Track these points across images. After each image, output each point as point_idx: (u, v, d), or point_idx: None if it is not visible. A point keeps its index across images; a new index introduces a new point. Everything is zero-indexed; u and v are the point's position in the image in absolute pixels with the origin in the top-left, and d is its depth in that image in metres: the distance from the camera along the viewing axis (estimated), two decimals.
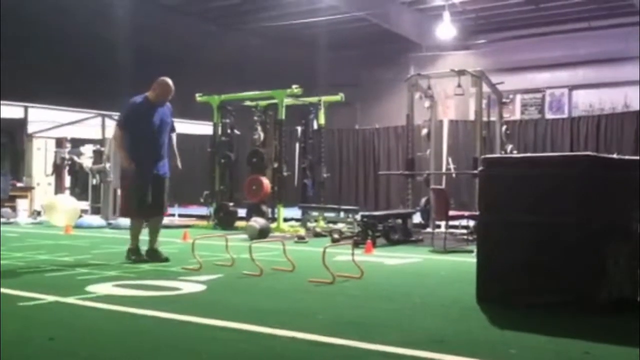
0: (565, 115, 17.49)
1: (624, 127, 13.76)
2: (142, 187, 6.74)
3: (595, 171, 4.39)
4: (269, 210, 11.27)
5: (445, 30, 17.27)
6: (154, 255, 6.80)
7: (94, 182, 13.23)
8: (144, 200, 6.75)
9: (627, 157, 5.49)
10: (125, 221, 11.64)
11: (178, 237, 9.17)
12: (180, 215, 13.48)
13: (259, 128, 11.58)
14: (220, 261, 6.56)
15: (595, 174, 4.36)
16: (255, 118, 11.66)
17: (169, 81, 6.87)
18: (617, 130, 13.81)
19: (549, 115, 18.05)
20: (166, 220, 12.42)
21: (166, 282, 5.47)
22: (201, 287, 5.21)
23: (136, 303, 4.50)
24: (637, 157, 5.56)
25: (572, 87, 18.40)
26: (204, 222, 11.83)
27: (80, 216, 12.11)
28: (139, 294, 4.91)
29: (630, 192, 4.77)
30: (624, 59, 16.92)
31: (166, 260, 6.69)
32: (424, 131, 10.96)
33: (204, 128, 16.67)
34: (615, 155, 5.44)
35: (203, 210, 12.61)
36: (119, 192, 12.74)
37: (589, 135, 14.13)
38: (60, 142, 14.71)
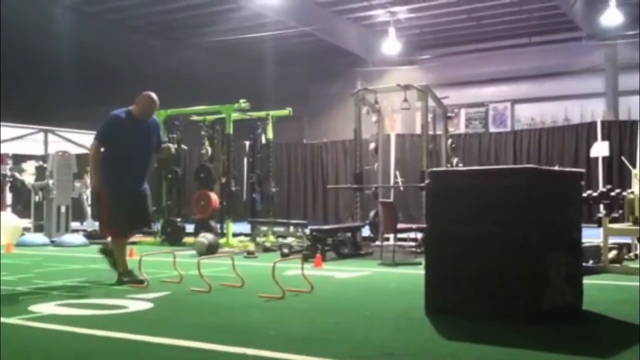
0: (508, 129, 17.91)
1: (565, 140, 14.16)
2: (122, 203, 6.34)
3: (538, 183, 4.50)
4: (218, 225, 11.18)
5: (391, 45, 17.53)
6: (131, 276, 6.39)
7: (37, 199, 12.89)
8: (126, 216, 6.37)
9: (567, 169, 5.65)
10: (70, 238, 11.50)
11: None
12: None
13: (207, 143, 11.50)
14: (168, 278, 6.47)
15: (537, 186, 4.47)
16: (203, 133, 11.58)
17: (154, 96, 6.56)
18: (558, 143, 14.20)
19: (492, 129, 18.44)
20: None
21: (112, 300, 5.36)
22: (148, 305, 5.11)
23: (81, 322, 4.40)
24: (577, 169, 5.73)
25: (515, 101, 18.85)
26: (151, 239, 11.64)
27: (23, 234, 11.78)
28: (84, 313, 4.80)
29: (570, 202, 4.91)
30: (564, 73, 17.45)
31: (142, 282, 6.18)
32: (372, 145, 11.06)
33: None
34: (556, 168, 5.58)
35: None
36: (62, 208, 12.48)
37: (531, 148, 14.49)
38: (1, 159, 14.31)
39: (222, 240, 10.39)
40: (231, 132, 11.13)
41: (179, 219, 11.56)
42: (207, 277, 5.86)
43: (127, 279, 6.25)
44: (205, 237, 9.40)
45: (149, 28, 18.12)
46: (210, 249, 9.07)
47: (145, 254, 6.83)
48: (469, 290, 4.52)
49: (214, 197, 11.04)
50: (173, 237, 11.17)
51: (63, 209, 12.56)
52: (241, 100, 10.82)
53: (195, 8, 16.67)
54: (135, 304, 5.16)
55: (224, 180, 11.10)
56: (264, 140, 11.77)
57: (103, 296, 5.61)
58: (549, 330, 4.08)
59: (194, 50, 18.64)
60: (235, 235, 11.18)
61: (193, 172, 11.57)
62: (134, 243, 10.92)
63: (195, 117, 11.89)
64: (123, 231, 6.58)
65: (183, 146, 11.94)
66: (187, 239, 11.02)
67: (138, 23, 17.85)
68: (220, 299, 5.45)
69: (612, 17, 14.95)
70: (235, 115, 11.28)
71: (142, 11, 17.13)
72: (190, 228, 11.45)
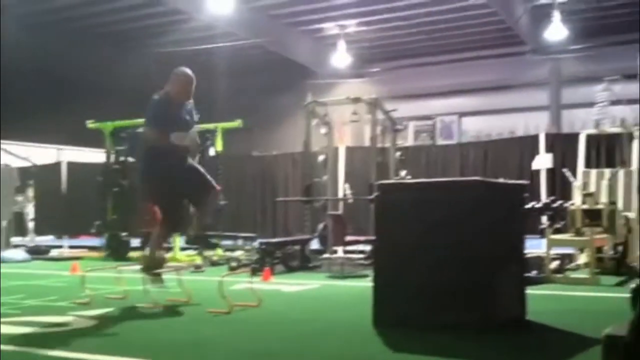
0: (455, 142, 18.18)
1: (510, 152, 14.43)
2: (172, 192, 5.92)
3: (483, 195, 4.57)
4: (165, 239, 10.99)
5: (341, 58, 17.65)
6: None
7: None
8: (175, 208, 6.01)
9: (512, 181, 5.74)
10: (11, 254, 11.15)
11: (67, 270, 8.78)
12: (70, 247, 12.93)
13: None
14: (113, 294, 6.33)
15: (482, 198, 4.53)
16: None
17: (189, 72, 6.01)
18: (503, 155, 14.46)
19: (440, 142, 18.70)
20: (54, 252, 12.00)
21: (54, 317, 5.20)
22: (92, 322, 4.99)
23: (23, 341, 4.26)
24: (521, 181, 5.84)
25: (462, 114, 19.17)
26: (95, 254, 11.40)
27: None
28: (25, 331, 4.65)
29: (514, 214, 5.00)
30: (510, 87, 17.83)
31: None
32: (321, 157, 11.07)
33: (96, 156, 16.17)
34: (501, 180, 5.67)
35: (95, 241, 12.17)
36: (3, 223, 12.09)
37: (477, 160, 14.71)
38: None
39: (169, 255, 10.23)
40: None
41: (124, 233, 11.35)
42: (153, 293, 5.75)
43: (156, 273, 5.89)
44: None
45: (98, 39, 17.84)
46: (157, 264, 8.90)
47: (89, 269, 6.68)
48: (416, 303, 4.54)
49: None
50: (118, 252, 10.95)
51: (4, 224, 12.19)
52: None
53: (146, 18, 16.50)
54: (78, 321, 5.03)
55: None
56: (212, 153, 11.67)
57: (44, 313, 5.45)
58: (496, 341, 4.12)
59: (143, 61, 18.42)
60: (182, 249, 11.03)
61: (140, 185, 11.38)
62: (78, 258, 10.71)
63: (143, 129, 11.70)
64: (174, 220, 6.13)
65: (130, 159, 11.75)
66: (132, 254, 10.83)
67: (90, 32, 17.56)
68: (166, 315, 5.36)
69: (556, 31, 15.34)
70: None
71: (95, 21, 16.88)
72: (136, 242, 11.26)
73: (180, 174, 5.98)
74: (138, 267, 6.28)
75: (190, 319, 5.18)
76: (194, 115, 6.23)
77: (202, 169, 6.29)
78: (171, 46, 17.47)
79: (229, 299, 5.32)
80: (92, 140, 13.95)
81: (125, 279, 6.45)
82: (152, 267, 6.01)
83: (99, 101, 15.57)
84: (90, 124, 11.72)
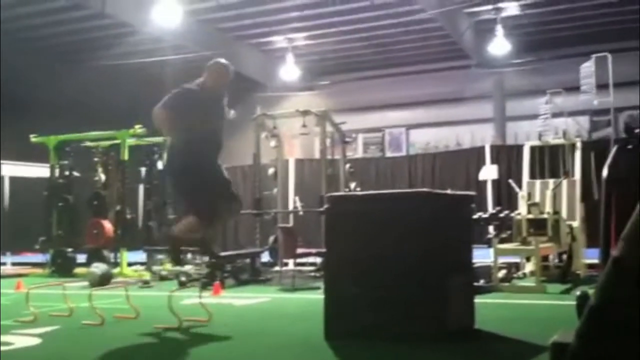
0: (403, 153, 18.38)
1: (457, 163, 14.67)
2: (205, 185, 5.57)
3: (431, 206, 4.62)
4: (112, 254, 10.82)
5: (290, 71, 17.69)
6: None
7: None
8: (212, 198, 5.61)
9: (459, 192, 5.83)
10: None
11: (10, 287, 8.52)
12: (13, 264, 12.58)
13: (100, 169, 11.16)
14: (58, 311, 6.16)
15: (431, 209, 4.58)
16: (96, 159, 11.23)
17: (225, 62, 5.85)
18: (451, 167, 14.69)
19: (388, 154, 18.88)
20: None
21: None
22: (36, 341, 4.84)
23: None
24: (468, 192, 5.93)
25: (410, 127, 19.40)
26: (39, 270, 11.10)
27: None
28: None
29: (463, 224, 5.07)
30: (456, 99, 18.14)
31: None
32: (271, 170, 11.05)
33: (40, 170, 15.80)
34: (448, 191, 5.75)
35: (39, 258, 11.86)
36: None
37: (425, 171, 14.91)
38: None
39: (116, 270, 10.05)
40: (126, 158, 10.84)
41: (70, 249, 11.09)
42: (99, 310, 5.63)
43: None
44: (98, 267, 9.07)
45: (41, 51, 17.46)
46: (103, 280, 8.75)
47: (33, 286, 6.50)
48: (368, 314, 4.55)
49: (107, 225, 10.70)
50: (63, 268, 10.70)
51: None
52: (137, 126, 10.59)
53: (92, 31, 16.24)
54: (22, 339, 4.88)
55: (118, 207, 10.78)
56: (160, 167, 11.54)
57: None
58: (447, 351, 4.16)
59: (89, 74, 18.09)
60: (130, 264, 10.84)
61: (86, 200, 11.17)
62: (22, 275, 10.41)
63: (88, 143, 11.52)
64: (210, 214, 5.68)
65: (75, 173, 11.52)
66: (78, 270, 10.59)
67: (34, 45, 17.17)
68: (114, 332, 5.24)
69: (499, 46, 15.70)
70: (131, 141, 11.01)
71: (38, 33, 16.52)
72: (82, 258, 11.02)
73: (212, 170, 5.72)
74: (83, 283, 6.14)
75: (137, 335, 5.07)
76: (229, 112, 6.10)
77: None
78: (118, 59, 17.23)
79: (178, 314, 5.25)
80: (35, 154, 13.63)
81: (71, 296, 6.29)
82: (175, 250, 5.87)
83: (43, 115, 15.23)
84: (34, 138, 11.46)
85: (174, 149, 5.69)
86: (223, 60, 5.89)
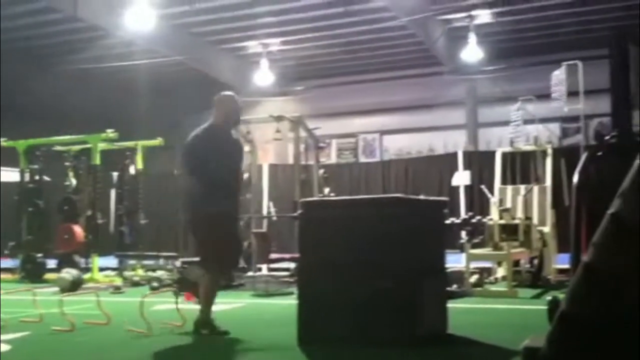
0: (377, 159, 18.43)
1: (429, 169, 14.75)
2: (235, 233, 5.52)
3: (404, 211, 4.64)
4: (83, 260, 10.69)
5: (264, 76, 17.67)
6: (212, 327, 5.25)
7: None
8: (238, 248, 5.60)
9: (432, 197, 5.87)
10: None
11: None
12: None
13: (71, 174, 11.05)
14: (28, 317, 6.07)
15: (404, 214, 4.60)
16: (67, 164, 11.11)
17: (232, 95, 5.69)
18: (424, 173, 14.76)
19: (362, 159, 18.92)
20: None
21: None
22: (5, 347, 4.76)
23: None
24: (441, 198, 5.97)
25: (383, 132, 19.46)
26: (9, 276, 10.93)
27: None
28: None
29: (436, 230, 5.10)
30: (429, 106, 18.24)
31: (225, 333, 5.14)
32: (245, 175, 11.02)
33: (10, 175, 15.57)
34: (421, 196, 5.79)
35: (8, 263, 11.68)
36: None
37: (399, 177, 14.96)
38: None
39: (87, 276, 9.94)
40: (98, 162, 10.74)
41: (40, 254, 10.94)
42: (70, 315, 5.56)
43: (215, 330, 5.16)
44: (69, 273, 8.97)
45: (15, 54, 17.20)
46: (74, 285, 8.65)
47: (2, 292, 6.40)
48: (341, 320, 4.55)
49: (78, 230, 10.59)
50: (33, 274, 10.55)
51: None
52: (108, 130, 10.50)
53: (63, 34, 16.06)
54: None
55: (89, 212, 10.67)
56: (132, 171, 11.45)
57: None
58: (420, 356, 4.18)
59: (60, 78, 17.89)
60: (101, 269, 10.73)
61: (56, 205, 11.04)
62: None
63: (59, 148, 11.39)
64: (228, 265, 5.67)
65: (45, 177, 11.39)
66: (49, 275, 10.44)
67: (4, 48, 16.92)
68: (85, 338, 5.18)
69: (472, 53, 15.84)
70: (103, 146, 10.91)
71: (9, 36, 16.28)
72: (52, 264, 10.88)
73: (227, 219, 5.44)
74: (54, 289, 6.06)
75: (108, 341, 5.02)
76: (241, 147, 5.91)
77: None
78: (89, 63, 17.07)
79: (151, 320, 5.20)
80: (5, 159, 13.45)
81: (41, 302, 6.21)
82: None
83: (13, 119, 15.03)
84: (4, 142, 11.32)
85: (195, 195, 5.35)
86: (229, 93, 5.76)
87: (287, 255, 9.07)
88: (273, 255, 8.69)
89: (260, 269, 9.93)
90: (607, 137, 2.83)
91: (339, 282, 4.59)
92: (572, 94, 9.95)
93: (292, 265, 9.20)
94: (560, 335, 1.85)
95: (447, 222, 7.98)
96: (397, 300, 4.43)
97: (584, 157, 2.92)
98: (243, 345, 4.76)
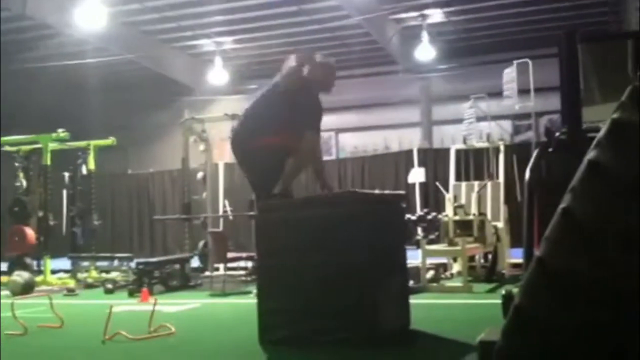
0: (333, 157, 18.49)
1: (385, 167, 14.87)
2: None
3: (360, 207, 4.63)
4: (34, 262, 10.47)
5: (218, 75, 17.55)
6: None
7: None
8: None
9: (388, 191, 5.88)
10: None
11: None
12: None
13: (21, 175, 10.80)
14: None
15: (359, 210, 4.59)
16: (17, 164, 10.86)
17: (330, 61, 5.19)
18: (380, 170, 14.88)
19: None
20: None
21: None
22: None
23: None
24: (398, 191, 6.00)
25: (339, 131, 19.53)
26: None
27: None
28: None
29: (394, 224, 5.10)
30: (385, 104, 18.38)
31: None
32: (200, 174, 10.93)
33: None
34: (376, 191, 5.81)
35: None
36: None
37: (355, 175, 15.05)
38: None
39: (40, 278, 9.73)
40: (49, 163, 10.52)
41: None
42: (22, 319, 5.44)
43: None
44: (20, 276, 8.78)
45: None
46: (26, 288, 8.47)
47: None
48: (302, 319, 4.49)
49: (29, 232, 10.36)
50: None
51: None
52: (59, 130, 10.29)
53: (12, 32, 15.68)
54: None
55: (41, 214, 10.45)
56: (85, 171, 11.25)
57: None
58: (382, 353, 4.19)
59: (8, 77, 17.47)
60: (54, 272, 10.51)
61: (6, 207, 10.78)
62: None
63: (8, 148, 11.12)
64: None
65: None
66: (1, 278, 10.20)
67: None
68: (38, 342, 5.08)
69: (425, 52, 16.00)
70: (54, 146, 10.69)
71: None
72: (3, 266, 10.63)
73: None
74: (5, 292, 5.92)
75: (62, 345, 4.93)
76: None
77: None
78: (39, 62, 16.71)
79: (109, 324, 5.11)
80: None
81: None
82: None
83: None
84: None
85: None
86: (320, 57, 5.28)
87: (244, 254, 9.03)
88: (230, 255, 8.64)
89: (217, 269, 9.87)
90: (557, 134, 2.89)
91: (299, 282, 4.53)
92: (523, 91, 10.13)
93: (249, 263, 9.16)
94: (515, 328, 1.89)
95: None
96: (358, 298, 4.39)
97: (535, 153, 2.98)
98: (202, 345, 4.73)
